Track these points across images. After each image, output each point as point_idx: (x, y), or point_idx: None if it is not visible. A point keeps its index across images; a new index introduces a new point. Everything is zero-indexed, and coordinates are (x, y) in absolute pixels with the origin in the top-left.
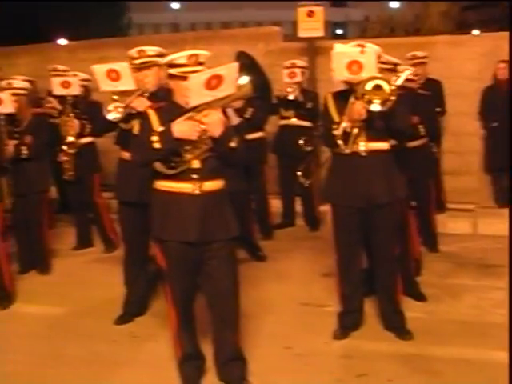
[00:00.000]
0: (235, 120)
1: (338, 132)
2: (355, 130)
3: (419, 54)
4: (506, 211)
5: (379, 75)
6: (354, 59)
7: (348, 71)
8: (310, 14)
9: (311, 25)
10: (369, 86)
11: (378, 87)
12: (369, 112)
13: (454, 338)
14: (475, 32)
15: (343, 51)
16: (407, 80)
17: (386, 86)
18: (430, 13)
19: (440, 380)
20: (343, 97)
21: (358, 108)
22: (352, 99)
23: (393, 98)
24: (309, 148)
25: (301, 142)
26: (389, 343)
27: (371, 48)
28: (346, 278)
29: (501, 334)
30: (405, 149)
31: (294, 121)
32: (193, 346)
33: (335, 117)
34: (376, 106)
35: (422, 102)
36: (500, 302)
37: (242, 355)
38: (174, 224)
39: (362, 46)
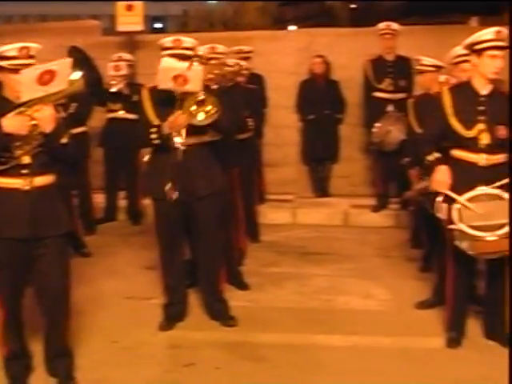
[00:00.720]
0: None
1: (156, 136)
2: (175, 134)
3: (245, 48)
4: (322, 200)
5: (202, 92)
6: (181, 73)
7: (173, 82)
8: (129, 7)
9: (130, 19)
10: (193, 100)
11: (202, 102)
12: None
13: (278, 324)
14: (292, 27)
15: (170, 66)
16: (236, 74)
17: (209, 101)
18: (247, 8)
19: (266, 365)
20: (163, 100)
21: (181, 121)
22: (177, 112)
23: (216, 111)
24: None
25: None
26: (214, 332)
27: (198, 66)
28: (169, 270)
29: (323, 319)
30: (233, 141)
31: (122, 113)
32: (19, 345)
33: (153, 119)
34: (201, 120)
35: (249, 96)
36: (321, 288)
37: (69, 352)
38: (4, 220)
39: (190, 61)
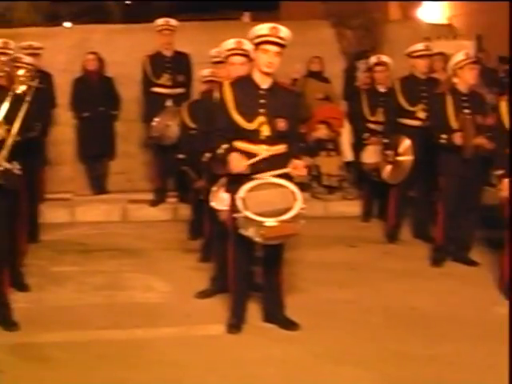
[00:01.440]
0: None
1: None
2: None
3: (35, 44)
4: (101, 197)
5: None
6: None
7: None
8: None
9: None
10: None
11: None
12: None
13: (61, 323)
14: (67, 24)
15: None
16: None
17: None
18: (18, 4)
19: (50, 364)
20: None
21: None
22: None
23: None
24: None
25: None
26: None
27: None
28: None
29: (105, 314)
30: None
31: None
32: None
33: None
34: None
35: (37, 95)
36: (102, 285)
37: None
38: None
39: None
